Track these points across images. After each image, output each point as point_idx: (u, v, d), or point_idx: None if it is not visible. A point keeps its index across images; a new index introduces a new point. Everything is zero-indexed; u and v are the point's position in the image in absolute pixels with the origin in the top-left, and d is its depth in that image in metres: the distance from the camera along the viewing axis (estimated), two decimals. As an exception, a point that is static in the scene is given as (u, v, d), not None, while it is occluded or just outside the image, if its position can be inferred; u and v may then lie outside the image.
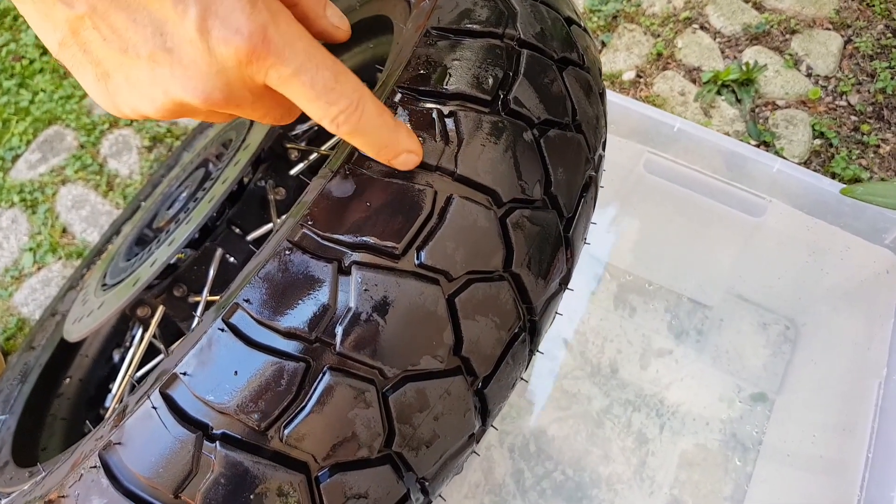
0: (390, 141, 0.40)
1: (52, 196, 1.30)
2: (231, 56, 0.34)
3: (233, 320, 0.40)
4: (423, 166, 0.42)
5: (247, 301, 0.40)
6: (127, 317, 0.78)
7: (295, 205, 0.45)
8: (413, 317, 0.40)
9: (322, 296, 0.39)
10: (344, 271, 0.40)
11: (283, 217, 0.68)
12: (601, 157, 0.55)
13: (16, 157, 1.36)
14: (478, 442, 0.48)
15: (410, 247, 0.41)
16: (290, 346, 0.39)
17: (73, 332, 0.67)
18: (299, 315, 0.39)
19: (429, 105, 0.44)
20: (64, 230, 1.26)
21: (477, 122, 0.44)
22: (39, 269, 1.22)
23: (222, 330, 0.39)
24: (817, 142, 1.27)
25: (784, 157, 1.24)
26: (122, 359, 0.87)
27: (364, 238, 0.40)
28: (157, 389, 0.40)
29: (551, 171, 0.47)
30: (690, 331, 1.00)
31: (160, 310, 0.66)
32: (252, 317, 0.39)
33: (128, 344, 0.85)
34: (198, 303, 0.66)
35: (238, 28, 0.33)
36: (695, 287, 1.01)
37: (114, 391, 0.81)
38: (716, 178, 0.85)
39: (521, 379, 0.50)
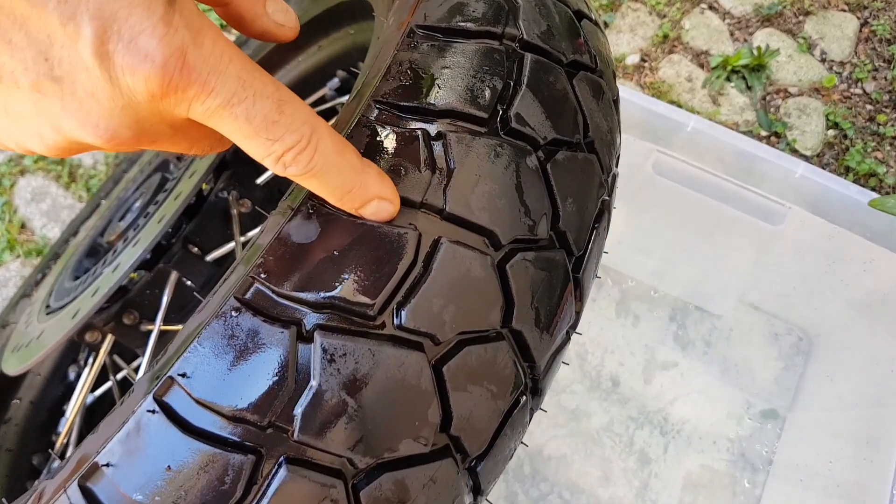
0: (354, 185, 0.33)
1: (10, 188, 1.20)
2: (140, 88, 0.27)
3: (167, 399, 0.32)
4: (406, 202, 0.35)
5: (183, 375, 0.32)
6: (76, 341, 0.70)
7: (247, 248, 0.37)
8: (391, 393, 0.33)
9: (276, 370, 0.32)
10: (304, 338, 0.32)
11: (252, 234, 0.60)
12: (615, 177, 0.47)
13: (-29, 144, 1.26)
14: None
15: (388, 305, 0.33)
16: (236, 434, 0.32)
17: (10, 365, 0.59)
18: (248, 394, 0.32)
19: (412, 124, 0.36)
20: (23, 225, 1.17)
21: (470, 146, 0.36)
22: (-4, 267, 1.13)
23: (153, 412, 0.32)
24: (831, 132, 1.19)
25: (796, 150, 1.16)
26: (79, 376, 0.79)
27: (330, 295, 0.32)
28: (76, 482, 0.33)
29: (559, 202, 0.39)
30: (697, 342, 0.93)
31: (109, 339, 0.58)
32: (190, 395, 0.32)
33: (82, 362, 0.77)
34: (150, 331, 0.58)
35: (148, 53, 0.26)
36: (703, 295, 0.94)
37: (67, 414, 0.73)
38: (732, 182, 0.77)
39: (522, 444, 0.43)
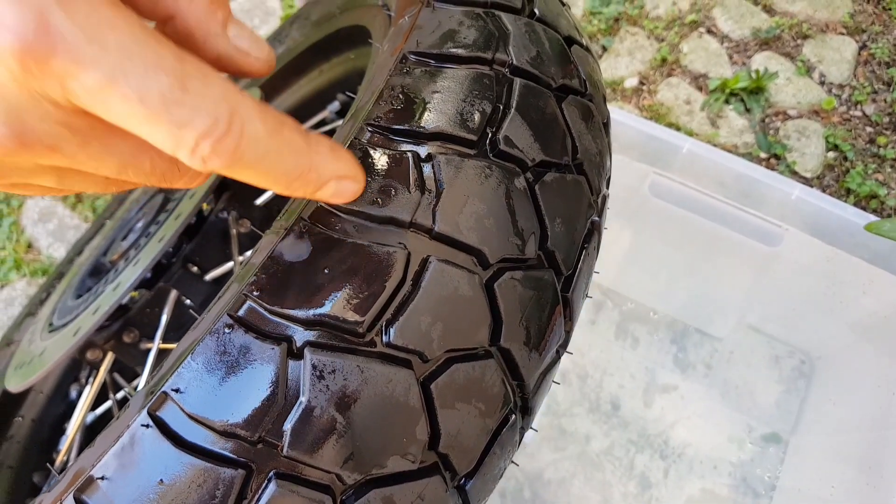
0: (302, 168, 0.28)
1: (18, 208, 1.22)
2: None
3: (160, 414, 0.33)
4: (395, 222, 0.35)
5: (177, 391, 0.33)
6: (77, 359, 0.71)
7: (242, 266, 0.38)
8: (379, 409, 0.33)
9: (267, 386, 0.32)
10: (295, 354, 0.33)
11: (249, 255, 0.61)
12: (605, 198, 0.48)
13: (-19, 166, 1.28)
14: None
15: (377, 322, 0.34)
16: (227, 448, 0.32)
17: (12, 382, 0.60)
18: (239, 410, 0.32)
19: (403, 146, 0.37)
20: (29, 245, 1.18)
21: (459, 168, 0.37)
22: (2, 287, 1.15)
23: (147, 426, 0.32)
24: (831, 155, 1.20)
25: (796, 172, 1.17)
26: (80, 395, 0.80)
27: (320, 312, 0.33)
28: (72, 495, 0.33)
29: (548, 223, 0.40)
30: (698, 364, 0.93)
31: (109, 357, 0.59)
32: (183, 410, 0.32)
33: (83, 381, 0.78)
34: (150, 349, 0.58)
35: (2, 19, 0.21)
36: (703, 317, 0.94)
37: (68, 432, 0.73)
38: (729, 204, 0.78)
39: (512, 462, 0.43)
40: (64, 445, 0.61)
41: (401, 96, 0.39)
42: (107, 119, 0.24)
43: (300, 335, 0.33)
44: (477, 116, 0.38)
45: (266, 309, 0.33)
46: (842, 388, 0.85)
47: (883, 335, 0.79)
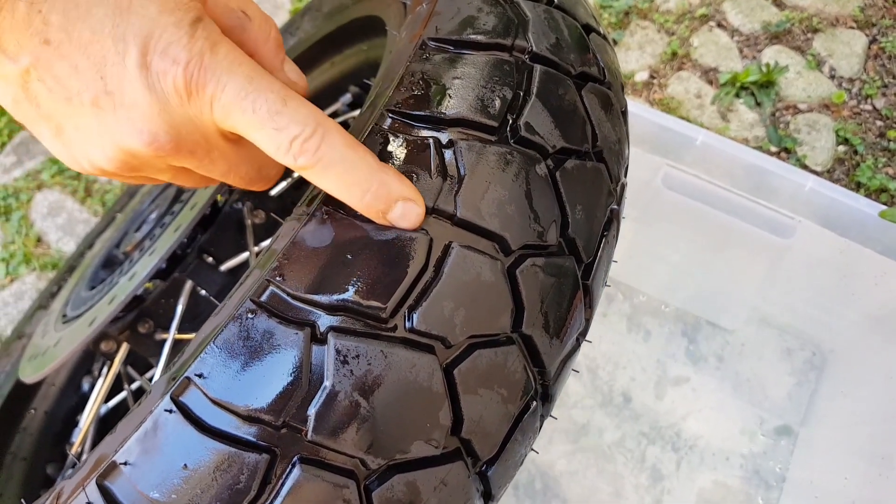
0: (372, 183, 0.33)
1: (27, 202, 1.22)
2: (170, 89, 0.32)
3: (183, 399, 0.33)
4: (417, 208, 0.35)
5: (200, 376, 0.33)
6: (91, 351, 0.71)
7: (263, 253, 0.38)
8: (402, 395, 0.33)
9: (291, 371, 0.32)
10: (318, 339, 0.33)
11: (265, 245, 0.61)
12: (623, 187, 0.48)
13: (-9, 160, 1.28)
14: (479, 528, 0.41)
15: (400, 308, 0.34)
16: (251, 433, 0.32)
17: (27, 372, 0.60)
18: (263, 394, 0.32)
19: (424, 133, 0.37)
20: (39, 239, 1.18)
21: (481, 154, 0.37)
22: (12, 281, 1.15)
23: (170, 411, 0.32)
24: (841, 148, 1.19)
25: (806, 166, 1.16)
26: (92, 388, 0.80)
27: (343, 298, 0.33)
28: (94, 480, 0.33)
29: (568, 209, 0.39)
30: (710, 357, 0.93)
31: (124, 347, 0.59)
32: (206, 395, 0.32)
33: (97, 373, 0.78)
34: (165, 340, 0.58)
35: (175, 58, 0.31)
36: (715, 310, 0.94)
37: (80, 424, 0.74)
38: (741, 196, 0.78)
39: (532, 450, 0.43)
40: (78, 437, 0.61)
41: (421, 82, 0.39)
42: (231, 127, 0.33)
43: (323, 320, 0.33)
44: (497, 103, 0.38)
45: (289, 294, 0.33)
46: (853, 380, 0.85)
47: (894, 327, 0.79)
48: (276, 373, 0.32)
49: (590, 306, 0.43)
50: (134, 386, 0.72)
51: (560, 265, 0.39)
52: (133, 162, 0.35)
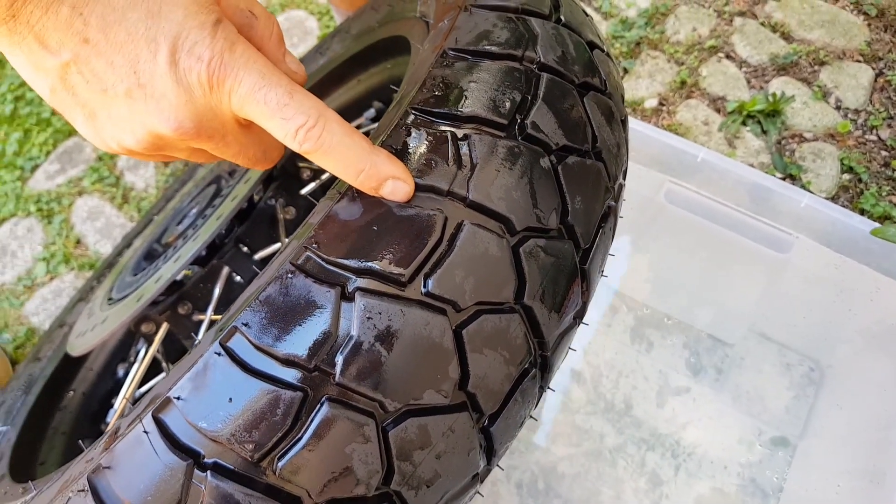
0: (365, 164, 0.39)
1: (69, 207, 1.30)
2: (195, 83, 0.37)
3: (230, 344, 0.38)
4: (434, 190, 0.41)
5: (245, 325, 0.38)
6: (132, 332, 0.77)
7: (300, 226, 0.43)
8: (418, 348, 0.38)
9: (323, 323, 0.37)
10: (347, 297, 0.38)
11: (289, 238, 0.67)
12: (621, 187, 0.53)
13: (35, 168, 1.37)
14: (482, 482, 0.45)
15: (417, 274, 0.39)
16: (287, 374, 0.37)
17: (76, 347, 0.65)
18: (299, 342, 0.37)
19: (443, 127, 0.43)
20: (78, 241, 1.26)
21: (492, 147, 0.42)
22: (52, 279, 1.22)
23: (219, 354, 0.38)
24: (846, 177, 1.24)
25: (811, 192, 1.21)
26: (127, 373, 0.86)
27: (369, 263, 0.38)
28: (150, 413, 0.39)
29: (568, 199, 0.45)
30: (709, 369, 0.97)
31: (164, 327, 0.65)
32: (250, 342, 0.38)
33: (132, 359, 0.84)
34: (202, 321, 0.64)
35: (200, 56, 0.36)
36: (715, 323, 0.98)
37: (115, 406, 0.79)
38: (740, 212, 0.82)
39: (531, 417, 0.48)
40: (119, 405, 0.66)
41: (441, 85, 0.44)
42: (246, 115, 0.38)
43: (352, 282, 0.38)
44: (508, 104, 0.44)
45: (323, 259, 0.39)
46: (849, 393, 0.88)
47: (889, 342, 0.82)
48: (311, 324, 0.37)
49: (587, 290, 0.48)
50: (162, 376, 0.78)
51: (559, 248, 0.44)
52: (158, 143, 0.40)
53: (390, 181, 0.40)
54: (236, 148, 0.42)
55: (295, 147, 0.38)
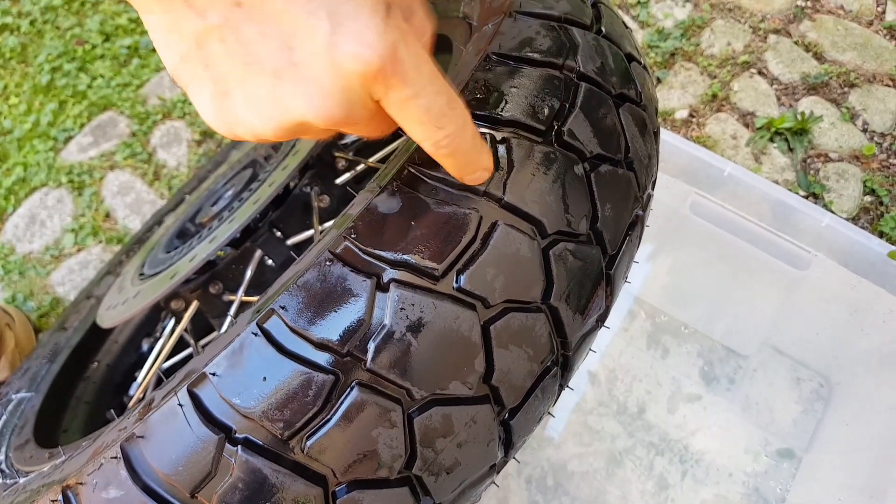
0: (478, 165, 0.40)
1: (100, 180, 1.33)
2: (358, 72, 0.32)
3: (267, 326, 0.40)
4: (471, 191, 0.42)
5: (283, 308, 0.39)
6: (159, 307, 0.79)
7: (340, 216, 0.45)
8: (446, 340, 0.40)
9: (357, 310, 0.39)
10: (382, 287, 0.39)
11: (327, 226, 0.68)
12: (650, 197, 0.54)
13: (68, 139, 1.39)
14: (498, 473, 0.47)
15: (450, 269, 0.40)
16: (321, 358, 0.39)
17: (106, 319, 0.68)
18: (333, 327, 0.39)
19: (482, 130, 0.44)
20: (107, 215, 1.28)
21: (528, 151, 0.44)
22: (79, 250, 1.25)
23: (256, 334, 0.39)
24: (867, 198, 1.24)
25: (832, 211, 1.21)
26: (151, 348, 0.88)
27: (405, 256, 0.40)
28: (186, 387, 0.40)
29: (599, 206, 0.46)
30: (722, 378, 0.98)
31: (194, 304, 0.67)
32: (286, 324, 0.39)
33: (158, 334, 0.86)
34: (231, 301, 0.66)
35: (370, 44, 0.31)
36: (731, 335, 0.99)
37: (139, 380, 0.81)
38: (762, 227, 0.83)
39: (549, 413, 0.49)
40: (143, 378, 0.68)
41: (483, 88, 0.46)
42: (395, 115, 0.35)
43: (387, 273, 0.40)
44: (546, 110, 0.45)
45: (360, 249, 0.40)
46: (857, 411, 0.89)
47: (901, 363, 0.83)
48: (345, 311, 0.39)
49: (610, 294, 0.49)
50: (188, 351, 0.80)
51: (587, 252, 0.46)
52: (298, 130, 0.36)
53: (480, 171, 0.40)
54: (368, 129, 0.38)
55: (429, 149, 0.37)
